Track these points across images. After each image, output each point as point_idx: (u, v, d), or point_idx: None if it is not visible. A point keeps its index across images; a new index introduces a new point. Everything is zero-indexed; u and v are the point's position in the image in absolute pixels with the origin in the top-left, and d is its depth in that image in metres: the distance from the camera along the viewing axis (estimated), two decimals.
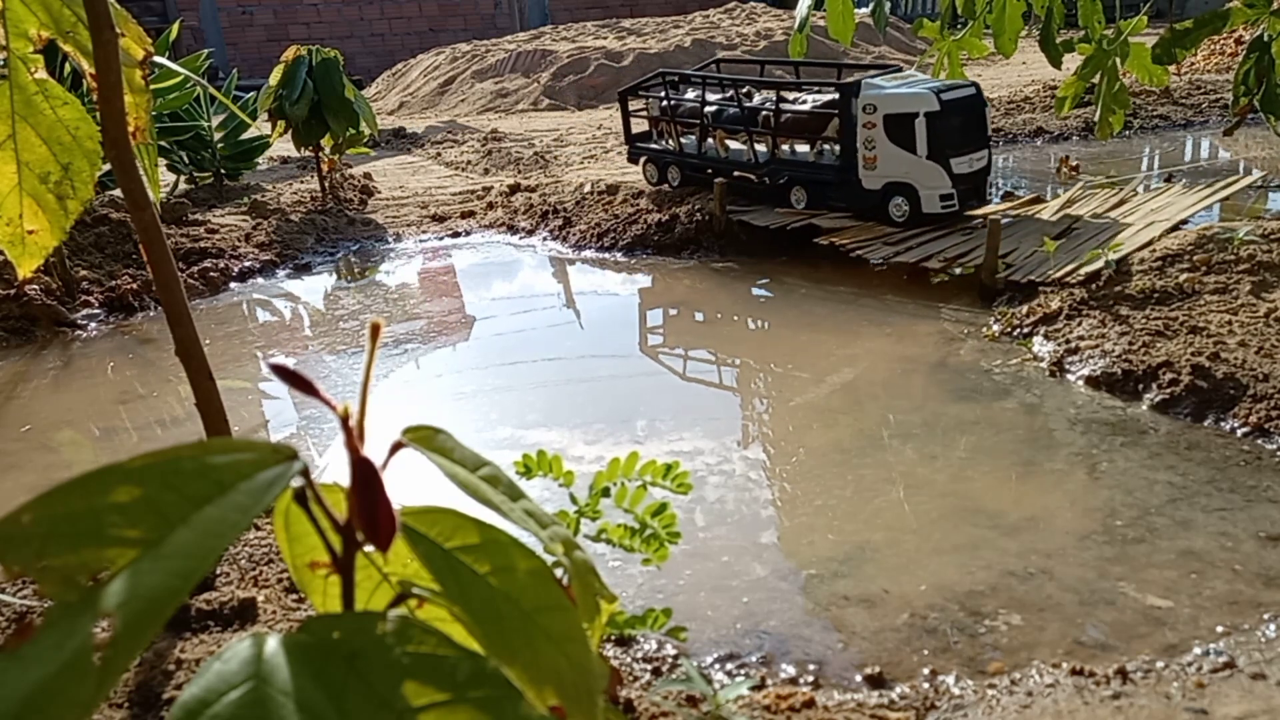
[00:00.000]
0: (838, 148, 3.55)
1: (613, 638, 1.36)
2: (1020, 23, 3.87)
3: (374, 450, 0.55)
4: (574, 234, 4.07)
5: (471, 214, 4.67)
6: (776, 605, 1.51)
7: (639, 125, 4.42)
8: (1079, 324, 2.49)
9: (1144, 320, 2.40)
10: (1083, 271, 2.73)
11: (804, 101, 3.72)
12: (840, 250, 3.32)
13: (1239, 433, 1.96)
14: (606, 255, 3.86)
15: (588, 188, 4.45)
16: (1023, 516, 1.73)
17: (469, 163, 6.00)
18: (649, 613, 1.05)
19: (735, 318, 3.14)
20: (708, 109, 3.95)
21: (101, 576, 0.42)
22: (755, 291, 3.32)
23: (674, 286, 3.45)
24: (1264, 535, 1.60)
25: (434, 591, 0.60)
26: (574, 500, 1.08)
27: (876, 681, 1.31)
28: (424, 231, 4.50)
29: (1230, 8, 3.76)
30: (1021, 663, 1.32)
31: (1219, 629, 1.37)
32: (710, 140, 4.00)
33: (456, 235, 4.42)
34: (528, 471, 1.08)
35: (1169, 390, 2.11)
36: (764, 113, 3.78)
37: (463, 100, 9.36)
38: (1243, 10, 3.59)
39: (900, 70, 3.78)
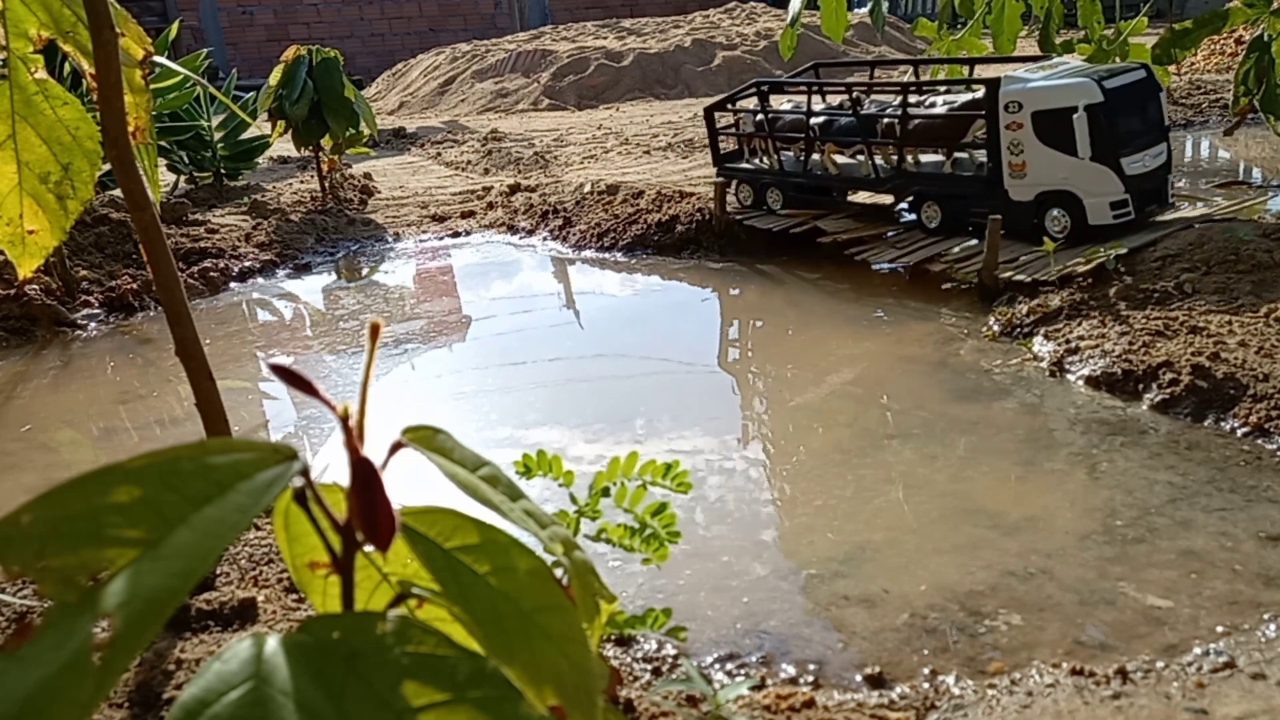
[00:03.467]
0: (981, 154, 3.13)
1: (613, 637, 1.36)
2: (1019, 23, 3.88)
3: (374, 450, 0.55)
4: (574, 234, 4.07)
5: (471, 214, 4.67)
6: (776, 605, 1.51)
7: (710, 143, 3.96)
8: (1079, 324, 2.49)
9: (1144, 320, 2.40)
10: (1082, 269, 2.73)
11: (933, 104, 3.31)
12: (844, 252, 3.32)
13: (1239, 433, 1.96)
14: (606, 255, 3.86)
15: (588, 188, 4.45)
16: (1023, 516, 1.73)
17: (469, 163, 6.00)
18: (649, 612, 1.05)
19: (735, 318, 3.14)
20: (814, 120, 3.52)
21: (101, 577, 0.42)
22: (755, 292, 3.32)
23: (674, 287, 3.45)
24: (1264, 535, 1.60)
25: (434, 591, 0.60)
26: (574, 500, 1.08)
27: (876, 681, 1.31)
28: (424, 231, 4.50)
29: (1230, 8, 3.76)
30: (1021, 662, 1.32)
31: (1219, 629, 1.37)
32: (816, 156, 3.60)
33: (456, 235, 4.42)
34: (527, 471, 1.08)
35: (1169, 390, 2.11)
36: (887, 120, 3.36)
37: (463, 100, 9.36)
38: (1242, 10, 3.59)
39: (1050, 59, 3.29)
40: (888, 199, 3.47)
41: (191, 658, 1.25)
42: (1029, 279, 2.79)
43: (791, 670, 1.35)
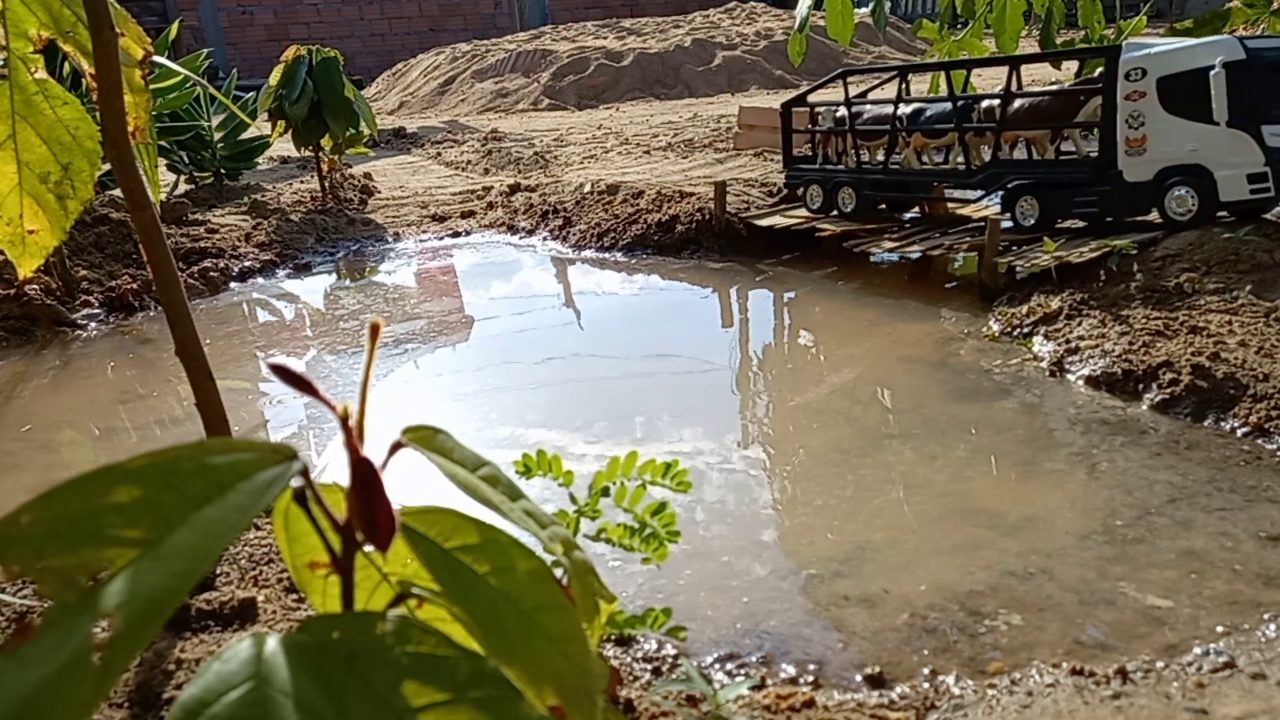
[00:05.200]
0: (1091, 137, 2.93)
1: (612, 637, 1.36)
2: (1021, 22, 3.88)
3: (373, 450, 0.55)
4: (574, 234, 4.07)
5: (471, 214, 4.67)
6: (776, 605, 1.51)
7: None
8: (1079, 324, 2.49)
9: (1144, 320, 2.40)
10: (1085, 257, 2.73)
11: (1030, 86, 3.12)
12: (843, 247, 3.32)
13: (1239, 432, 1.96)
14: (606, 255, 3.86)
15: (588, 188, 4.45)
16: (1023, 516, 1.73)
17: (469, 163, 6.00)
18: (649, 612, 1.05)
19: (735, 318, 3.14)
20: (902, 110, 3.38)
21: (101, 577, 0.42)
22: (755, 292, 3.32)
23: (674, 286, 3.45)
24: (1264, 535, 1.60)
25: (434, 591, 0.60)
26: (573, 500, 1.08)
27: (876, 681, 1.31)
28: (424, 231, 4.50)
29: (1230, 7, 3.76)
30: (1021, 662, 1.32)
31: (1219, 629, 1.37)
32: (900, 152, 3.47)
33: (456, 235, 4.42)
34: (527, 471, 1.08)
35: (1169, 390, 2.11)
36: (986, 103, 3.17)
37: (463, 100, 9.36)
38: (1243, 10, 3.59)
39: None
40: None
41: (191, 658, 1.25)
42: (1029, 276, 2.79)
43: (791, 670, 1.35)
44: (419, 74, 10.35)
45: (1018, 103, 3.02)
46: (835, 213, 3.61)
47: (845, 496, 1.87)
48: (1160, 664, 1.28)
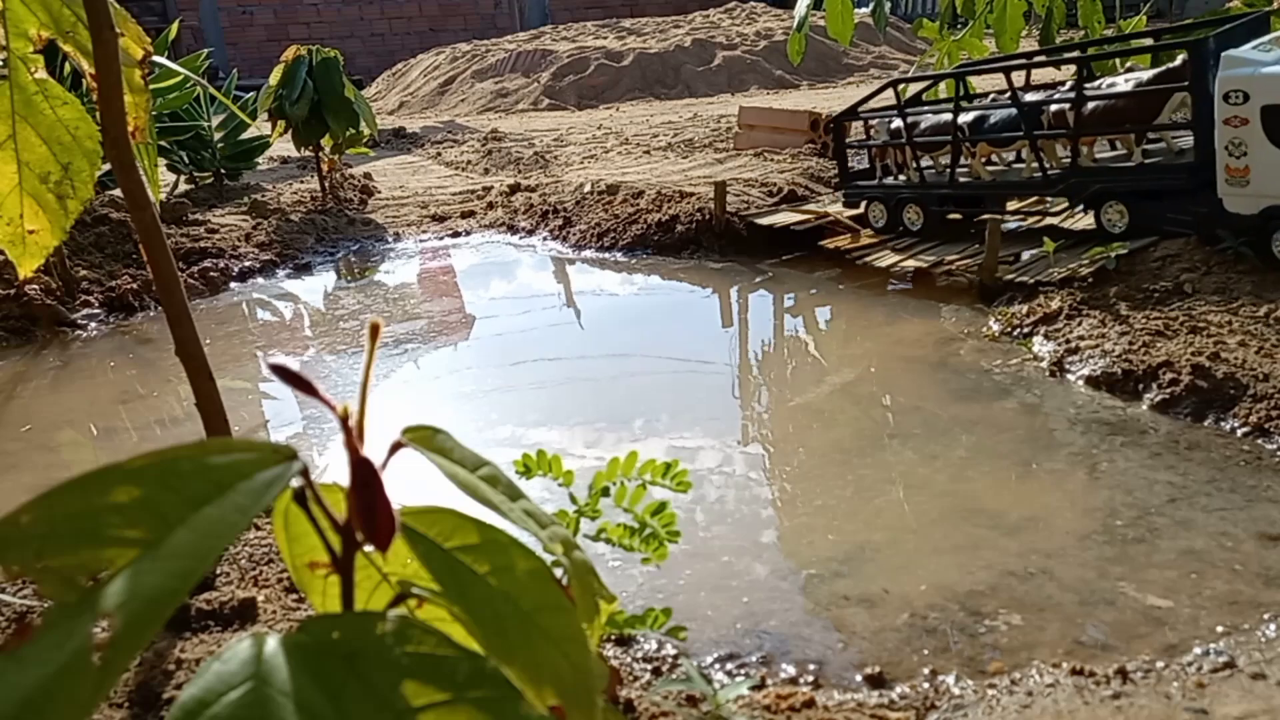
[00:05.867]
0: (1182, 140, 2.65)
1: (612, 637, 1.36)
2: (1021, 22, 3.88)
3: (373, 450, 0.55)
4: (574, 234, 4.07)
5: (471, 214, 4.68)
6: (776, 605, 1.51)
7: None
8: (1079, 324, 2.49)
9: (1144, 320, 2.40)
10: (1085, 271, 2.73)
11: (1113, 84, 2.83)
12: (845, 256, 3.32)
13: (1239, 432, 1.96)
14: (606, 255, 3.86)
15: (588, 188, 4.45)
16: (1023, 516, 1.73)
17: (469, 163, 6.00)
18: (649, 612, 1.05)
19: (735, 318, 3.14)
20: (963, 118, 3.07)
21: (101, 577, 0.42)
22: (755, 292, 3.32)
23: (674, 287, 3.45)
24: (1264, 535, 1.60)
25: (433, 591, 0.60)
26: (573, 500, 1.08)
27: (876, 681, 1.31)
28: (424, 231, 4.50)
29: (1229, 7, 3.76)
30: (1022, 662, 1.32)
31: (1219, 629, 1.37)
32: (965, 162, 3.19)
33: (456, 235, 4.42)
34: (527, 471, 1.08)
35: (1169, 390, 2.11)
36: (1055, 106, 2.87)
37: (463, 100, 9.36)
38: (1243, 9, 3.59)
39: (1263, 21, 2.61)
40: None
41: (191, 658, 1.25)
42: (1031, 280, 2.79)
43: (791, 670, 1.35)
44: (419, 74, 10.36)
45: (1092, 104, 2.74)
46: (901, 230, 3.34)
47: (845, 496, 1.86)
48: (1160, 664, 1.28)
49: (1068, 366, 2.34)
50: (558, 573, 0.65)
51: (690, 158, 5.35)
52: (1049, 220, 3.32)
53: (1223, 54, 2.41)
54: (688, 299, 3.33)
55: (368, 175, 5.38)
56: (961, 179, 3.18)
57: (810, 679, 1.33)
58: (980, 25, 3.98)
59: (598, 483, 1.05)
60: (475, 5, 13.40)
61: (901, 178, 3.39)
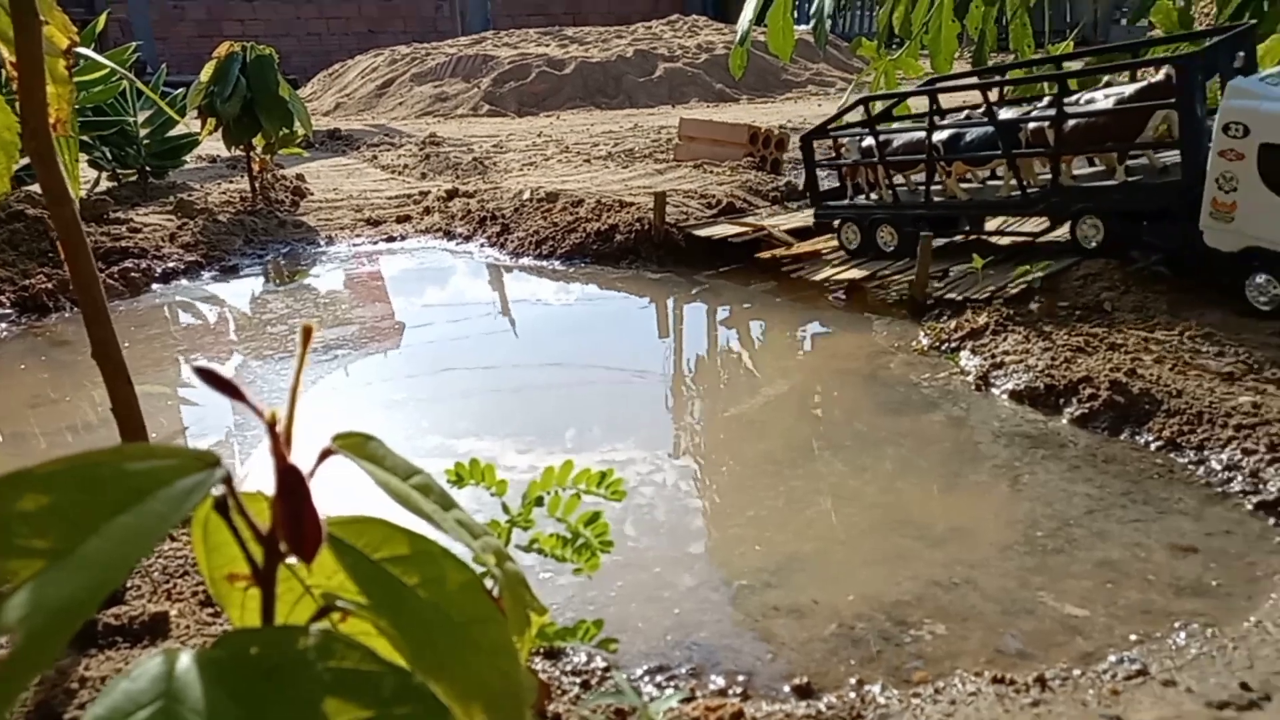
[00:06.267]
0: (1165, 158, 2.58)
1: (542, 650, 1.35)
2: (955, 44, 3.98)
3: (301, 458, 0.54)
4: (512, 241, 4.05)
5: (407, 218, 4.61)
6: (707, 616, 1.52)
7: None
8: (1004, 339, 2.56)
9: (1066, 337, 2.48)
10: (1011, 289, 2.81)
11: (1090, 100, 2.77)
12: (780, 269, 3.36)
13: (1153, 446, 2.03)
14: (544, 263, 3.84)
15: (527, 195, 4.43)
16: (949, 528, 1.76)
17: (406, 166, 5.93)
18: (580, 624, 1.04)
19: (671, 329, 3.16)
20: (937, 136, 3.01)
21: (3, 590, 0.40)
22: (691, 303, 3.34)
23: (611, 296, 3.45)
24: (1175, 546, 1.66)
25: (360, 604, 0.59)
26: (506, 510, 1.07)
27: (804, 692, 1.32)
28: (358, 235, 4.43)
29: (1150, 35, 3.92)
30: (945, 672, 1.35)
31: (1132, 637, 1.41)
32: (940, 181, 3.11)
33: (391, 240, 4.36)
34: (459, 480, 1.06)
35: (1088, 405, 2.18)
36: (1033, 124, 2.82)
37: (401, 103, 9.25)
38: (1163, 36, 3.75)
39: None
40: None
41: (97, 675, 1.20)
42: (959, 296, 2.86)
43: (721, 682, 1.35)
44: (356, 75, 10.20)
45: (1072, 122, 2.68)
46: (874, 253, 3.25)
47: (777, 508, 1.88)
48: (1077, 672, 1.32)
49: (993, 381, 2.41)
50: (489, 584, 0.64)
51: (630, 168, 5.37)
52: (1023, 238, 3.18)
53: (1229, 83, 2.35)
54: (625, 309, 3.33)
55: (300, 177, 5.27)
56: (937, 198, 3.11)
57: (739, 690, 1.33)
58: (916, 45, 4.08)
59: (532, 492, 1.04)
60: (416, 8, 13.26)
61: (874, 196, 3.32)
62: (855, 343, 2.80)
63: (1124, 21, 9.71)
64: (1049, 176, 2.87)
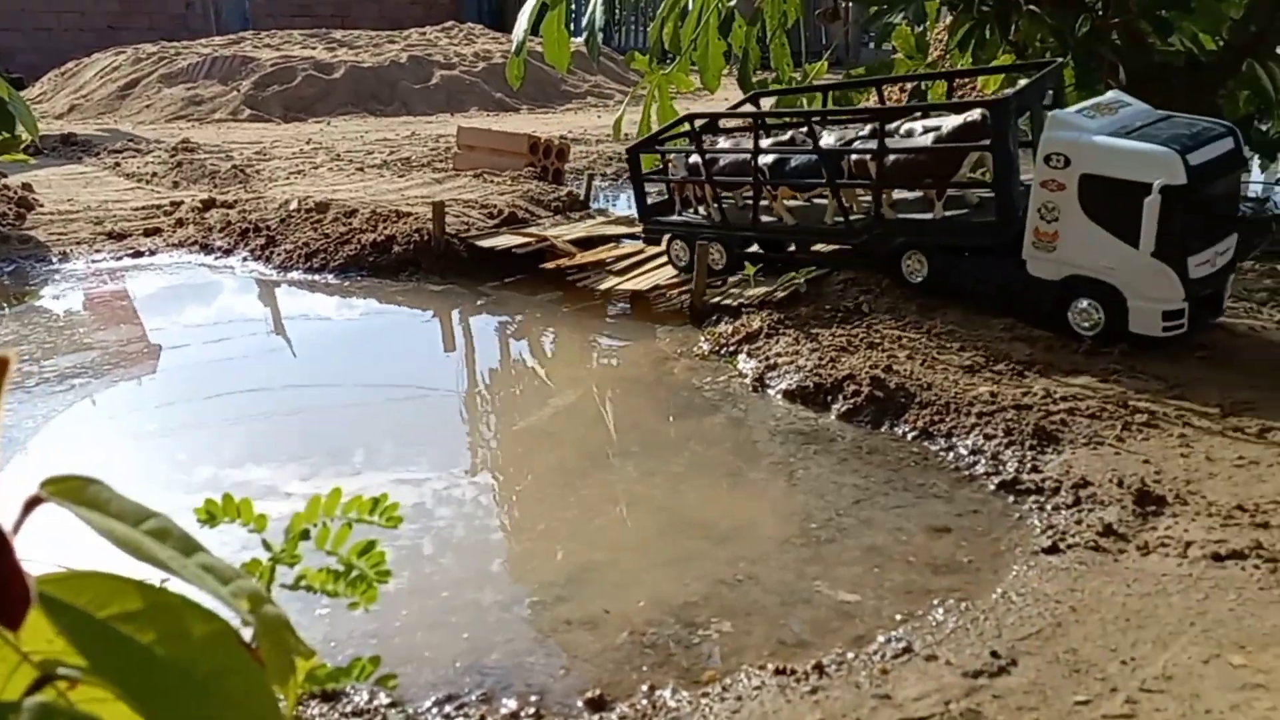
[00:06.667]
0: (979, 196, 2.63)
1: (318, 693, 1.26)
2: (723, 60, 4.15)
3: (5, 510, 0.47)
4: (279, 254, 3.81)
5: (157, 231, 4.24)
6: (499, 636, 1.48)
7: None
8: (776, 342, 2.69)
9: (831, 337, 2.64)
10: (780, 294, 2.96)
11: (910, 132, 2.77)
12: (565, 278, 3.37)
13: (909, 436, 2.20)
14: (316, 277, 3.64)
15: (294, 205, 4.19)
16: (731, 526, 1.83)
17: (155, 175, 5.46)
18: (355, 663, 0.98)
19: (456, 342, 3.08)
20: (763, 159, 2.96)
21: None
22: (476, 315, 3.28)
23: (392, 310, 3.33)
24: (932, 528, 1.80)
25: (84, 669, 0.52)
26: (267, 547, 0.99)
27: (597, 705, 1.31)
28: (98, 250, 4.02)
29: (894, 59, 4.28)
30: (732, 668, 1.39)
31: (898, 617, 1.52)
32: (768, 204, 3.09)
33: (139, 255, 3.98)
34: (211, 519, 0.97)
35: (852, 400, 2.33)
36: (856, 155, 2.81)
37: (148, 106, 8.52)
38: (905, 62, 4.10)
39: (1107, 95, 2.49)
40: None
41: None
42: (735, 303, 2.98)
43: (513, 704, 1.32)
44: (95, 75, 9.29)
45: (893, 156, 2.71)
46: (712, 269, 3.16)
47: (568, 518, 1.88)
48: (851, 655, 1.40)
49: (768, 382, 2.52)
50: (248, 633, 0.58)
51: (407, 177, 5.22)
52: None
53: (1049, 114, 2.39)
54: (407, 323, 3.22)
55: (27, 186, 4.72)
56: (764, 219, 3.09)
57: (532, 711, 1.31)
58: (686, 61, 4.22)
59: (295, 525, 0.97)
60: (163, 3, 12.27)
61: (702, 211, 3.29)
62: (640, 350, 2.85)
63: (872, 45, 10.56)
64: (870, 201, 2.94)
